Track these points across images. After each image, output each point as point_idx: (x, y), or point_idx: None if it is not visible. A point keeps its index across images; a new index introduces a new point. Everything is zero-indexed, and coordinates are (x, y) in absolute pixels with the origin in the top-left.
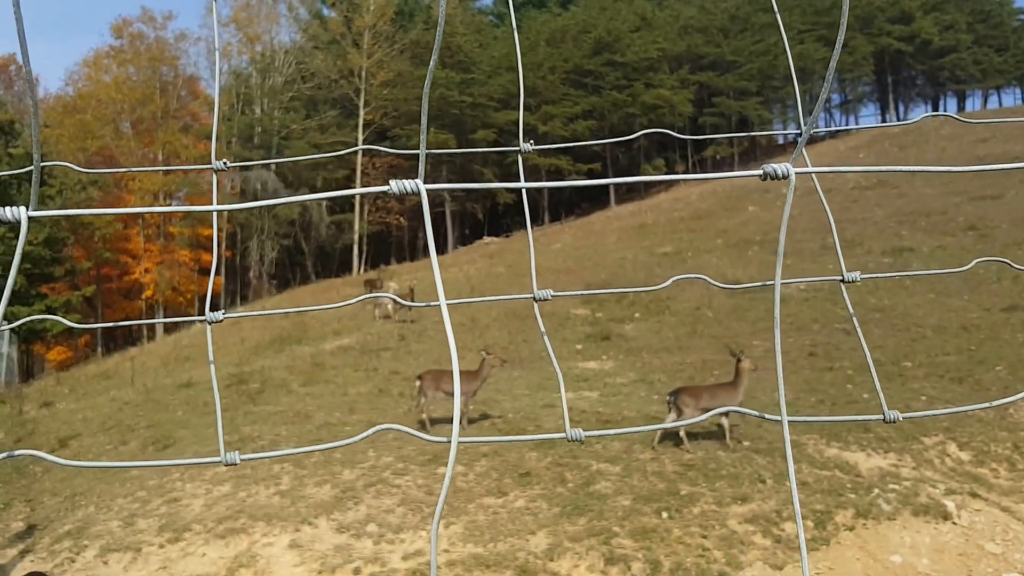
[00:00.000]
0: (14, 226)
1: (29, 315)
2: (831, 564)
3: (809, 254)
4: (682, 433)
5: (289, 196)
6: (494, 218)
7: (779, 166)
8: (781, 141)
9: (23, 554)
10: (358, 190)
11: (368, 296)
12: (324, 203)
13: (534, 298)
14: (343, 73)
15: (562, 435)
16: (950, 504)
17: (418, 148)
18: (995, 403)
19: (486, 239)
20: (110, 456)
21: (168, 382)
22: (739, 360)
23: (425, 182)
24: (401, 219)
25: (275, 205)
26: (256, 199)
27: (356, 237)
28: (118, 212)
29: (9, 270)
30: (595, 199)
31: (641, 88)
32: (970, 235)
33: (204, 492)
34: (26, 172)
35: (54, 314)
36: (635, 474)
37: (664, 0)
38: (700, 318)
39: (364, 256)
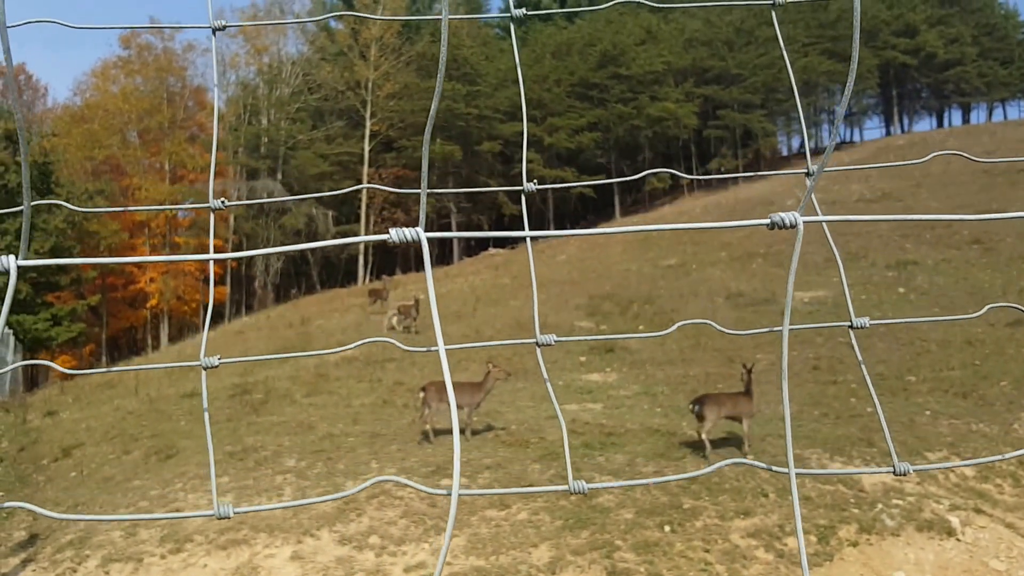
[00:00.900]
0: (19, 235)
1: (34, 324)
2: None
3: (813, 266)
4: (706, 440)
5: (295, 205)
6: (500, 229)
7: (787, 215)
8: (785, 153)
9: (25, 563)
10: (360, 239)
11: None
12: (330, 214)
13: (536, 343)
14: (350, 84)
15: (565, 487)
16: (954, 520)
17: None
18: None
19: (491, 250)
20: (113, 466)
21: (172, 392)
22: (749, 371)
23: (429, 198)
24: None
25: (270, 253)
26: (262, 209)
27: (362, 247)
28: (106, 262)
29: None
30: (600, 211)
31: (646, 101)
32: (975, 248)
33: (206, 503)
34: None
35: (60, 324)
36: (637, 487)
37: (669, 13)
38: (703, 331)
39: (369, 266)
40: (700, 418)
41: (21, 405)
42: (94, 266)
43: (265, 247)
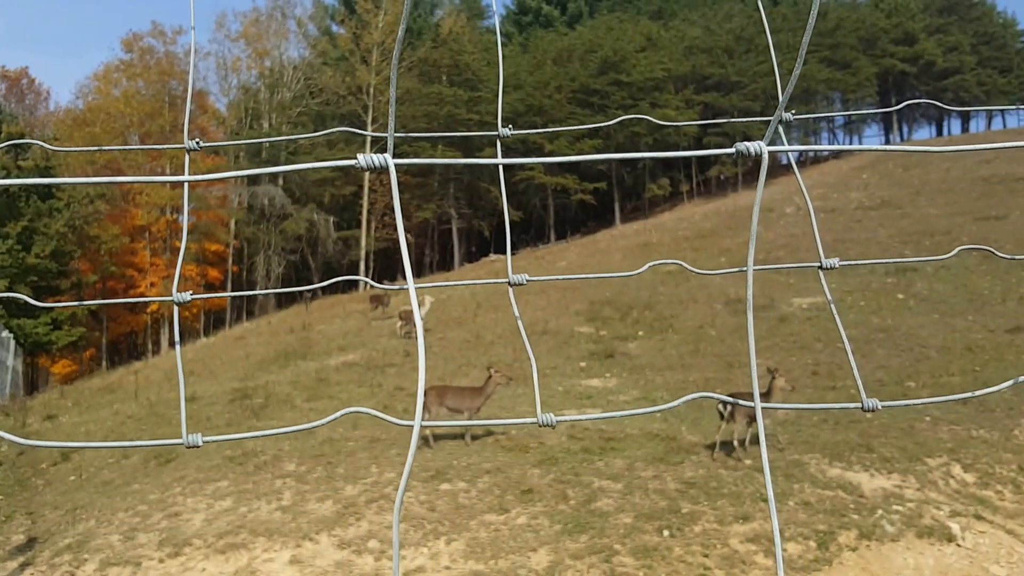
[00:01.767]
0: (21, 239)
1: (35, 327)
2: None
3: (812, 273)
4: (735, 440)
5: (296, 211)
6: (501, 235)
7: (752, 144)
8: (784, 161)
9: (23, 567)
10: (326, 163)
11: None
12: (331, 219)
13: (509, 283)
14: (351, 89)
15: (533, 420)
16: (955, 526)
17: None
18: (977, 393)
19: (492, 256)
20: (112, 470)
21: (172, 396)
22: (774, 377)
23: (430, 203)
24: (408, 236)
25: (249, 176)
26: (263, 214)
27: (363, 253)
28: (85, 182)
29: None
30: (600, 218)
31: (647, 107)
32: (974, 255)
33: (205, 507)
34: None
35: (60, 328)
36: (637, 492)
37: (669, 21)
38: (703, 336)
39: (371, 273)
40: (730, 418)
41: (21, 409)
42: (95, 270)
43: (267, 252)
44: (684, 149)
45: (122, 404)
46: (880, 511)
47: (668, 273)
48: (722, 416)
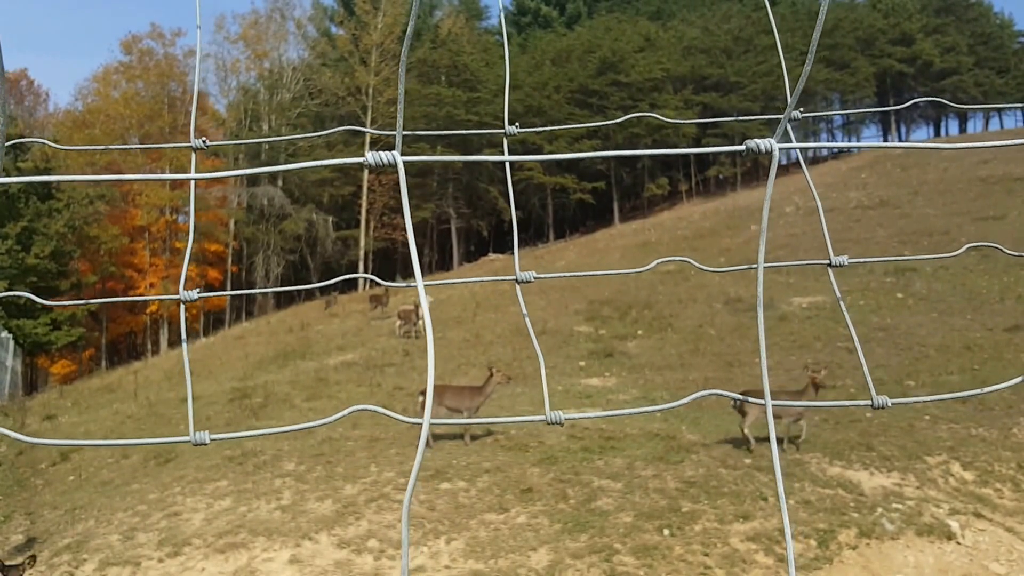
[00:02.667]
0: (21, 239)
1: (34, 328)
2: None
3: (812, 272)
4: (750, 435)
5: (295, 211)
6: (499, 235)
7: (762, 141)
8: (784, 161)
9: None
10: (334, 161)
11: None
12: (330, 219)
13: (516, 280)
14: (350, 90)
15: (542, 418)
16: (954, 524)
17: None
18: (984, 390)
19: (491, 256)
20: (111, 470)
21: (171, 396)
22: (814, 374)
23: (429, 202)
24: (407, 235)
25: (251, 175)
26: (263, 215)
27: (362, 253)
28: (88, 179)
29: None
30: (599, 217)
31: (646, 108)
32: (972, 255)
33: (204, 506)
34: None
35: (59, 328)
36: (637, 491)
37: (668, 21)
38: (702, 336)
39: (369, 272)
40: (741, 413)
41: (20, 409)
42: (94, 270)
43: (266, 252)
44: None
45: (121, 404)
46: (880, 509)
47: (667, 272)
48: (742, 413)
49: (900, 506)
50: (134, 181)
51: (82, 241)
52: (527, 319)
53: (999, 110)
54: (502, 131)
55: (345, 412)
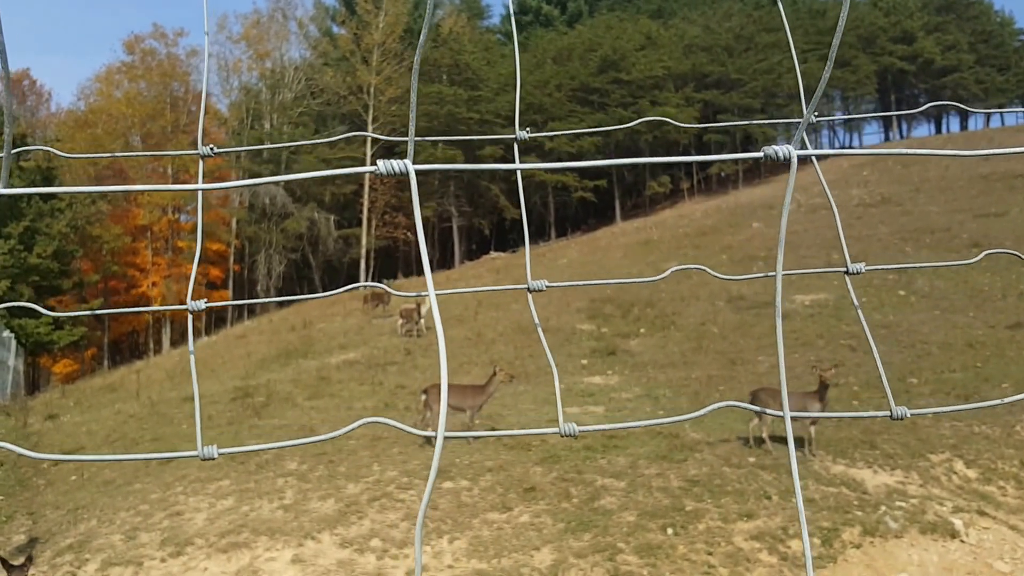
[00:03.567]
0: (23, 239)
1: (36, 327)
2: None
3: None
4: (765, 435)
5: (297, 209)
6: (501, 233)
7: (780, 148)
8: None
9: (22, 566)
10: (346, 171)
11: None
12: (332, 218)
13: (528, 289)
14: (352, 89)
15: (555, 430)
16: (958, 522)
17: (427, 162)
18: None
19: (492, 254)
20: (113, 469)
21: (173, 395)
22: (821, 374)
23: (431, 200)
24: (408, 234)
25: (255, 185)
26: (265, 213)
27: (363, 251)
28: (92, 191)
29: (16, 283)
30: (601, 215)
31: (646, 106)
32: (974, 252)
33: (207, 506)
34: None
35: (61, 328)
36: (640, 490)
37: (669, 19)
38: (705, 334)
39: (371, 271)
40: (757, 414)
41: (22, 409)
42: (96, 270)
43: (268, 251)
44: (685, 147)
45: (124, 403)
46: (884, 507)
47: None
48: (757, 414)
49: (904, 504)
50: (141, 191)
51: (84, 240)
52: (540, 329)
53: (1002, 112)
54: (512, 136)
55: (355, 425)
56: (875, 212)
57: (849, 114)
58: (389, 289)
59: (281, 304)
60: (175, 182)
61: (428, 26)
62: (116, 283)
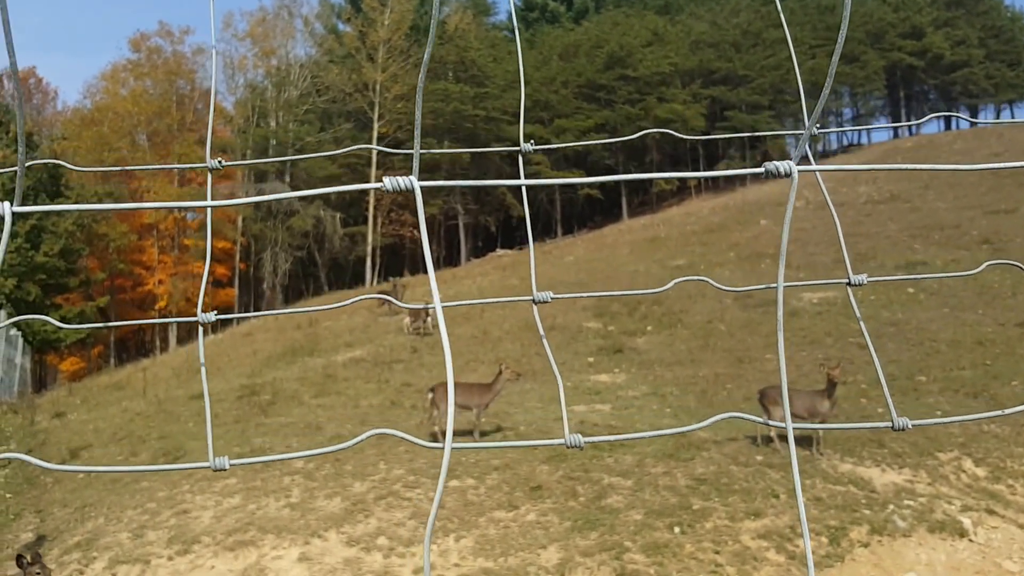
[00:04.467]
0: (30, 237)
1: (43, 326)
2: None
3: (822, 267)
4: (772, 433)
5: (303, 207)
6: (507, 230)
7: (781, 164)
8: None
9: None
10: (352, 187)
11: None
12: (338, 215)
13: (533, 300)
14: (358, 87)
15: (561, 441)
16: (966, 521)
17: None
18: (1008, 411)
19: (499, 251)
20: (121, 466)
21: (180, 393)
22: (831, 370)
23: (436, 197)
24: (415, 231)
25: (268, 200)
26: (270, 211)
27: (369, 249)
28: (104, 208)
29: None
30: (607, 212)
31: (653, 102)
32: (984, 249)
33: (214, 504)
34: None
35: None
36: (647, 488)
37: (676, 16)
38: (712, 331)
39: (377, 268)
40: (767, 412)
41: (29, 407)
42: (103, 268)
43: (274, 249)
44: (690, 144)
45: (130, 401)
46: (892, 506)
47: (676, 268)
48: (767, 412)
49: (912, 503)
50: (150, 208)
51: (91, 239)
52: (545, 340)
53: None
54: (517, 148)
55: (363, 436)
56: (884, 209)
57: (858, 110)
58: (397, 303)
59: (287, 301)
60: (181, 180)
61: (433, 30)
62: (122, 281)
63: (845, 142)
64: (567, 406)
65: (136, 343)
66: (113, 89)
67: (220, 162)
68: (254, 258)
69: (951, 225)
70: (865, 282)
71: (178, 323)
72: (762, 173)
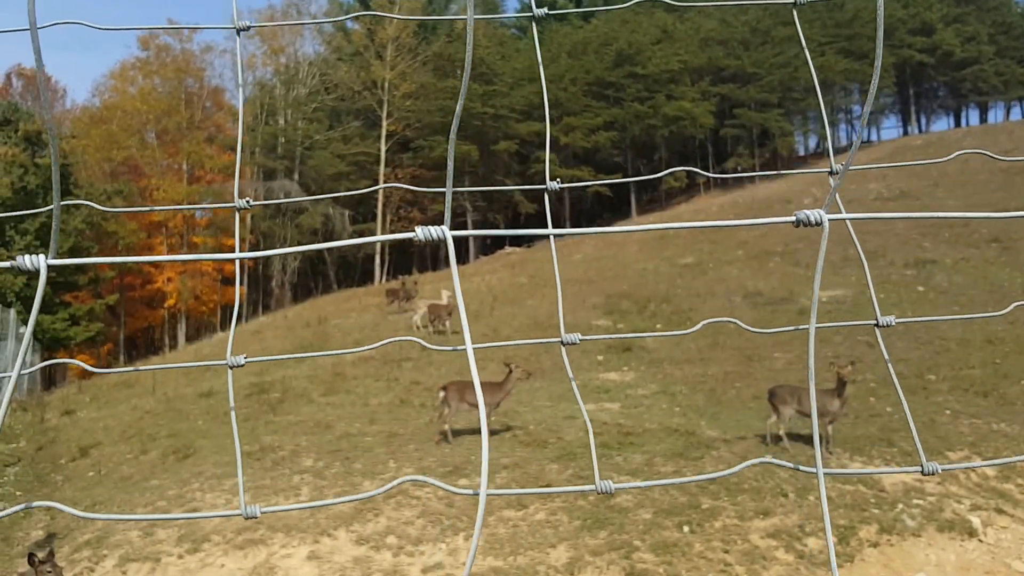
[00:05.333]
0: (39, 235)
1: (53, 323)
2: None
3: (831, 265)
4: (782, 432)
5: (311, 205)
6: (516, 228)
7: (812, 212)
8: (802, 152)
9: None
10: (384, 237)
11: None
12: (347, 213)
13: (562, 342)
14: (366, 84)
15: (592, 487)
16: (975, 520)
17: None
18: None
19: (508, 249)
20: (130, 466)
21: (189, 391)
22: (839, 371)
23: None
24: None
25: (294, 253)
26: (279, 209)
27: (378, 247)
28: (134, 260)
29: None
30: (616, 210)
31: (662, 100)
32: (993, 247)
33: (224, 503)
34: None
35: (78, 324)
36: (656, 487)
37: (685, 13)
38: (722, 330)
39: (386, 266)
40: (775, 411)
41: (39, 404)
42: (112, 265)
43: (282, 246)
44: (699, 142)
45: (140, 399)
46: (901, 505)
47: (685, 266)
48: (776, 411)
49: (921, 502)
50: (175, 262)
51: (100, 236)
52: (574, 383)
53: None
54: (543, 187)
55: (394, 483)
56: (893, 206)
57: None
58: (425, 344)
59: (296, 299)
60: (190, 177)
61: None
62: (132, 278)
63: (854, 137)
64: (576, 405)
65: (145, 341)
66: (122, 87)
67: (248, 202)
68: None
69: (960, 223)
70: (893, 323)
71: (186, 318)
72: (793, 222)
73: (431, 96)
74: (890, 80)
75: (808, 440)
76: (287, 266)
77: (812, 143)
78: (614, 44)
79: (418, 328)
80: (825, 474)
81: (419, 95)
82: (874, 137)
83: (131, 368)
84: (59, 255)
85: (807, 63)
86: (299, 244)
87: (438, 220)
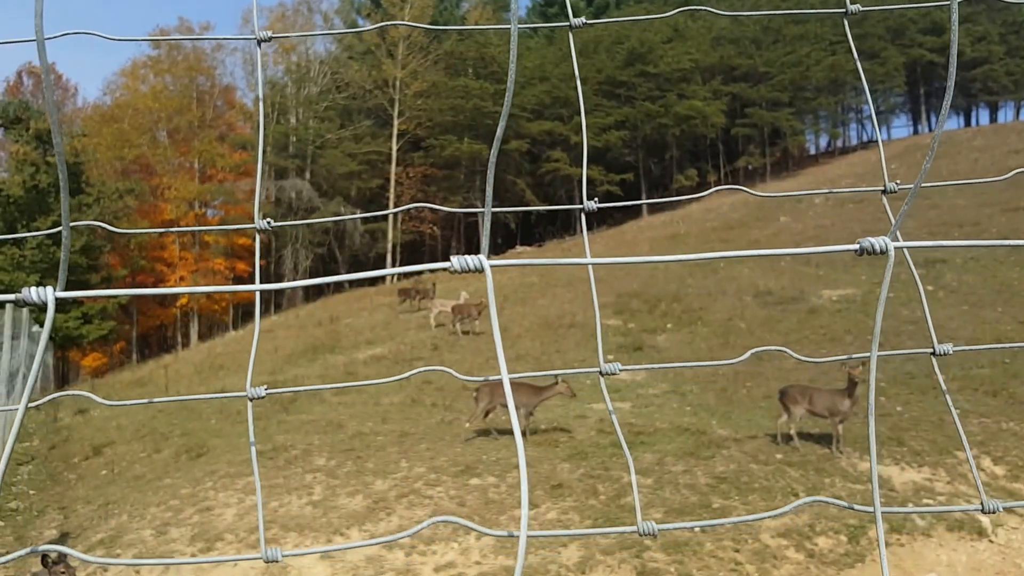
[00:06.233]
0: (52, 235)
1: (65, 321)
2: None
3: (841, 264)
4: (793, 431)
5: (323, 204)
6: (527, 227)
7: (876, 240)
8: (812, 151)
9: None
10: (413, 268)
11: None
12: (357, 210)
13: (600, 372)
14: (377, 83)
15: (633, 529)
16: (986, 521)
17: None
18: None
19: (519, 248)
20: (144, 464)
21: (202, 390)
22: (853, 370)
23: (454, 194)
24: (435, 228)
25: (313, 284)
26: (291, 208)
27: (390, 246)
28: (144, 293)
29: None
30: (628, 209)
31: (674, 99)
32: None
33: (236, 501)
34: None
35: (90, 322)
36: (667, 487)
37: (696, 12)
38: (732, 329)
39: (398, 265)
40: (786, 410)
41: (52, 403)
42: (124, 264)
43: (294, 245)
44: (711, 141)
45: (152, 398)
46: (911, 505)
47: (696, 265)
48: (786, 410)
49: (931, 501)
50: (201, 292)
51: (112, 235)
52: (614, 416)
53: None
54: (581, 207)
55: (425, 524)
56: (900, 204)
57: (877, 107)
58: (457, 375)
59: (307, 298)
60: (202, 176)
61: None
62: (144, 277)
63: (865, 138)
64: (588, 404)
65: (158, 339)
66: (133, 85)
67: (269, 223)
68: (275, 255)
69: (970, 222)
70: (951, 352)
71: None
72: (857, 250)
73: (442, 95)
74: (900, 79)
75: (818, 439)
76: (299, 265)
77: (823, 142)
78: (625, 43)
79: (441, 326)
80: (883, 513)
81: (430, 94)
82: (884, 136)
83: (145, 401)
84: (72, 252)
85: (856, 65)
86: (310, 242)
87: (449, 218)
